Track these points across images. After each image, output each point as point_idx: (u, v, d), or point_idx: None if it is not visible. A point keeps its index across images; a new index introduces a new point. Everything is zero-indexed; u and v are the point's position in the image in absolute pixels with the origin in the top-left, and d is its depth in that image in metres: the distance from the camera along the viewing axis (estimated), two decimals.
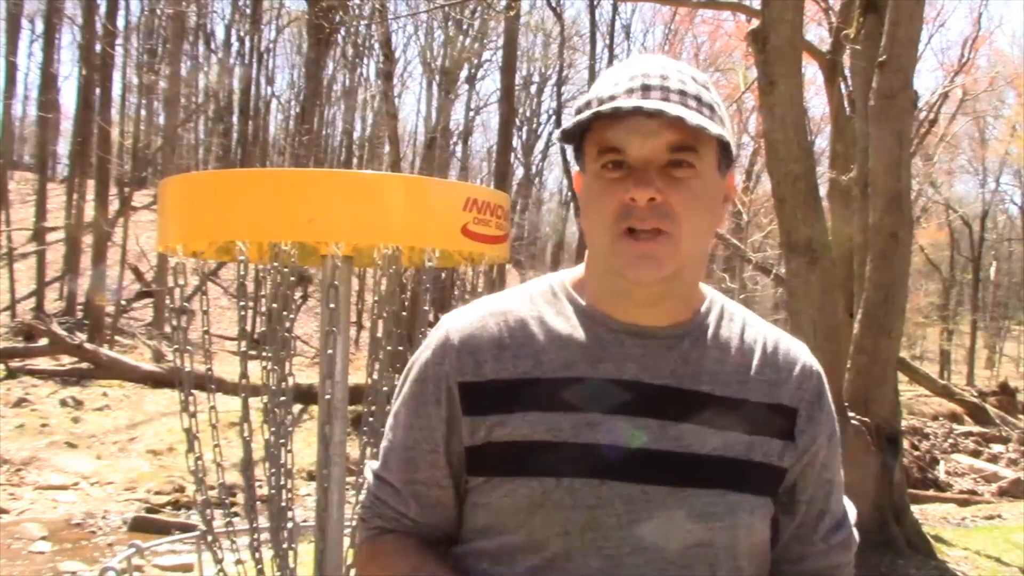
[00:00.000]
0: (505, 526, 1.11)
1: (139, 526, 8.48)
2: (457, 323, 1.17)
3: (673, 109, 1.05)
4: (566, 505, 1.07)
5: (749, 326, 1.20)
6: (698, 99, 1.09)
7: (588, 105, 1.10)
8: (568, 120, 1.10)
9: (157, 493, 9.95)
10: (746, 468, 1.11)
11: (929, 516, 8.35)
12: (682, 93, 1.08)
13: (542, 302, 1.17)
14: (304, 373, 11.97)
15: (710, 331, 1.16)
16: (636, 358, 1.11)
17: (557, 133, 1.12)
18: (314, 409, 8.24)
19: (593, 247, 1.14)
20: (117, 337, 18.43)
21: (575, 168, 1.17)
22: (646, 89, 1.07)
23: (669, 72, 1.10)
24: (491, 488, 1.11)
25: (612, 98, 1.08)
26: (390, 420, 1.22)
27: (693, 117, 1.05)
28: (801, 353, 1.20)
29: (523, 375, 1.11)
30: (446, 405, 1.14)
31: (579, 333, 1.13)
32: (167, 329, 18.57)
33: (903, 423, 10.08)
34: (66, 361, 14.66)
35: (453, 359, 1.14)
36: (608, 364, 1.11)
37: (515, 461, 1.09)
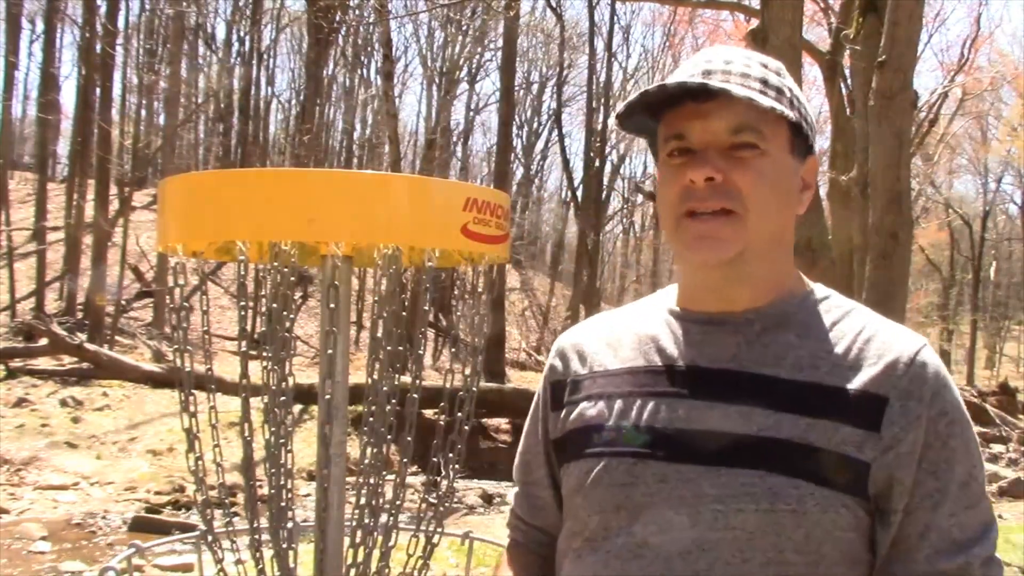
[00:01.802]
0: (568, 512, 1.16)
1: (139, 526, 8.48)
2: (564, 334, 1.28)
3: (723, 85, 1.03)
4: (603, 484, 1.09)
5: (851, 316, 1.09)
6: (763, 81, 1.08)
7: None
8: (625, 102, 1.10)
9: (157, 493, 9.94)
10: (801, 451, 1.00)
11: None
12: (744, 76, 1.07)
13: (641, 307, 1.23)
14: (304, 373, 11.97)
15: (792, 317, 1.09)
16: (697, 344, 1.11)
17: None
18: (314, 409, 8.27)
19: (667, 235, 1.14)
20: (117, 337, 18.42)
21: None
22: (707, 74, 1.07)
23: (734, 59, 1.10)
24: (564, 477, 1.17)
25: (661, 85, 1.08)
26: None
27: (741, 91, 1.03)
28: (906, 343, 1.05)
29: (596, 368, 1.18)
30: (542, 407, 1.24)
31: (654, 328, 1.16)
32: (167, 329, 18.56)
33: None
34: (66, 361, 14.65)
35: (552, 364, 1.24)
36: (670, 352, 1.12)
37: (575, 445, 1.15)
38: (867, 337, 1.06)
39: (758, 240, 1.06)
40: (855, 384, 1.02)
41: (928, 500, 1.02)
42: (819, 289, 1.14)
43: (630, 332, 1.18)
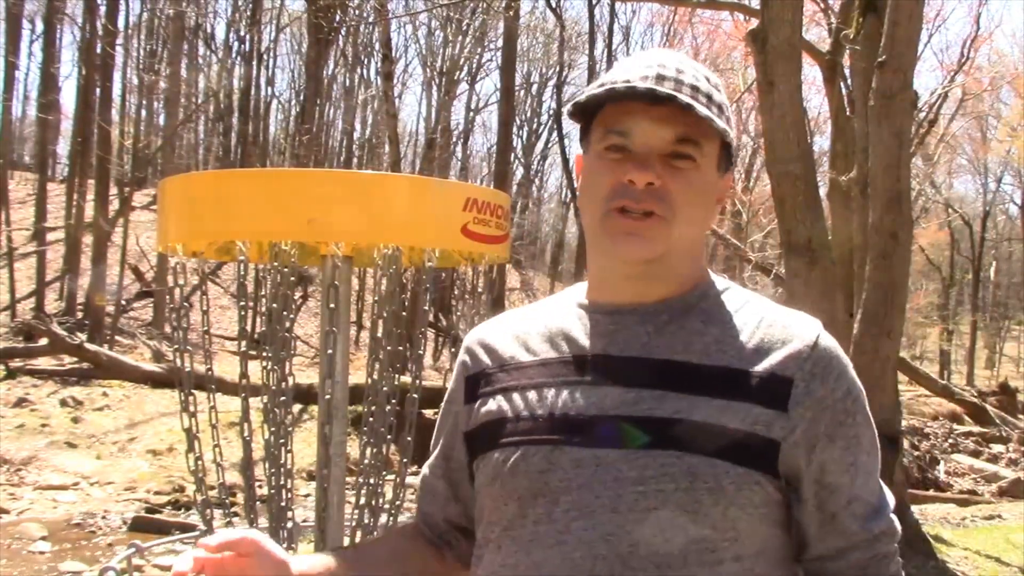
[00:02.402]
0: (483, 504, 1.18)
1: (139, 526, 8.48)
2: (472, 331, 1.30)
3: (688, 100, 1.07)
4: (520, 471, 1.11)
5: (751, 305, 1.15)
6: (708, 97, 1.12)
7: (601, 87, 1.12)
8: (581, 94, 1.13)
9: (157, 493, 9.95)
10: (716, 431, 1.04)
11: (929, 516, 8.34)
12: (694, 88, 1.11)
13: (551, 302, 1.26)
14: (304, 373, 11.97)
15: (696, 307, 1.14)
16: (608, 334, 1.14)
17: (568, 107, 1.15)
18: (314, 409, 8.27)
19: (585, 224, 1.17)
20: (117, 337, 18.43)
21: (579, 151, 1.21)
22: (660, 79, 1.10)
23: (685, 68, 1.13)
24: (480, 468, 1.19)
25: (627, 82, 1.10)
26: None
27: (702, 109, 1.08)
28: (806, 327, 1.12)
29: (507, 362, 1.20)
30: (453, 401, 1.27)
31: (563, 322, 1.20)
32: (167, 329, 18.57)
33: (903, 423, 10.08)
34: (66, 361, 14.66)
35: (462, 360, 1.27)
36: (581, 342, 1.15)
37: (490, 437, 1.17)
38: (768, 323, 1.12)
39: (679, 245, 1.12)
40: (761, 367, 1.08)
41: (847, 475, 1.09)
42: (719, 281, 1.20)
43: (539, 326, 1.21)
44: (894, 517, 1.15)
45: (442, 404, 1.32)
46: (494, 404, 1.18)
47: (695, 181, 1.11)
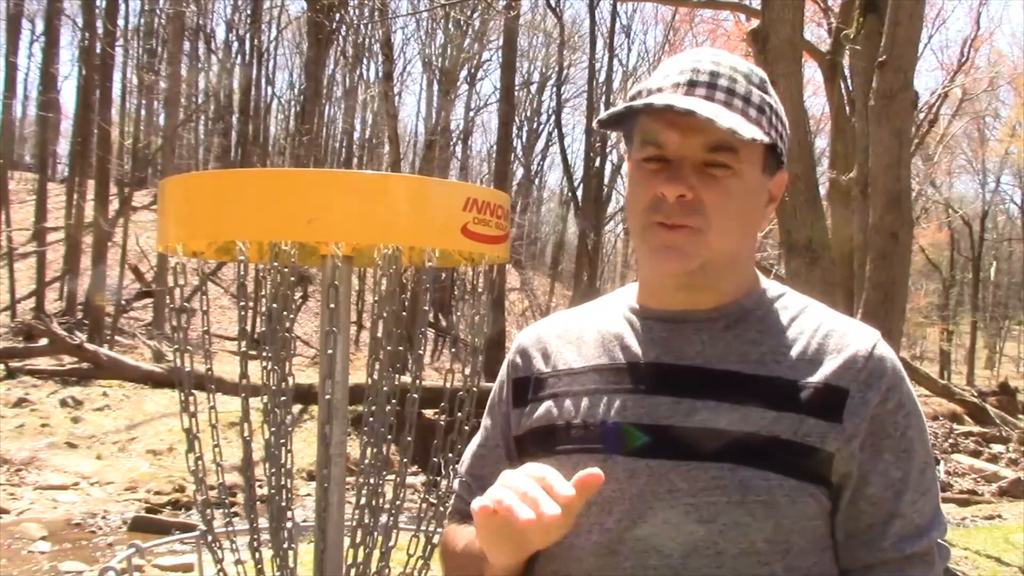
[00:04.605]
0: None
1: (139, 526, 8.48)
2: (526, 330, 1.28)
3: (708, 110, 1.03)
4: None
5: (807, 313, 1.14)
6: (746, 99, 1.08)
7: (639, 94, 1.10)
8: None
9: (157, 493, 9.94)
10: (768, 444, 1.03)
11: None
12: (729, 92, 1.07)
13: (602, 304, 1.24)
14: (304, 373, 11.96)
15: (751, 315, 1.12)
16: (661, 341, 1.12)
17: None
18: (314, 409, 8.26)
19: (632, 236, 1.15)
20: (117, 337, 18.43)
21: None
22: (692, 85, 1.07)
23: (722, 69, 1.09)
24: None
25: (659, 91, 1.08)
26: None
27: (726, 120, 1.02)
28: (863, 337, 1.10)
29: (560, 366, 1.19)
30: (505, 402, 1.24)
31: (616, 326, 1.18)
32: (167, 329, 18.57)
33: None
34: (66, 361, 14.65)
35: (513, 360, 1.24)
36: (635, 350, 1.14)
37: (542, 443, 1.15)
38: (824, 332, 1.10)
39: (719, 255, 1.09)
40: (816, 378, 1.06)
41: (891, 489, 1.06)
42: (773, 287, 1.18)
43: (592, 330, 1.20)
44: (941, 545, 1.10)
45: (487, 407, 1.28)
46: (545, 410, 1.16)
47: (733, 189, 1.07)
